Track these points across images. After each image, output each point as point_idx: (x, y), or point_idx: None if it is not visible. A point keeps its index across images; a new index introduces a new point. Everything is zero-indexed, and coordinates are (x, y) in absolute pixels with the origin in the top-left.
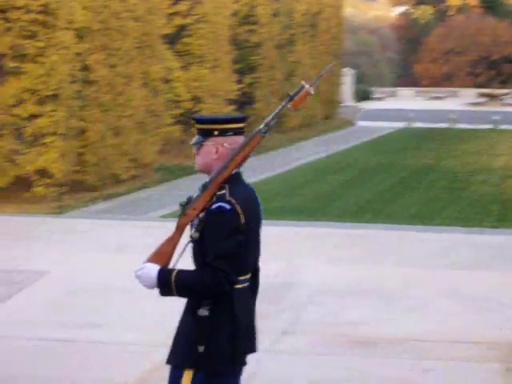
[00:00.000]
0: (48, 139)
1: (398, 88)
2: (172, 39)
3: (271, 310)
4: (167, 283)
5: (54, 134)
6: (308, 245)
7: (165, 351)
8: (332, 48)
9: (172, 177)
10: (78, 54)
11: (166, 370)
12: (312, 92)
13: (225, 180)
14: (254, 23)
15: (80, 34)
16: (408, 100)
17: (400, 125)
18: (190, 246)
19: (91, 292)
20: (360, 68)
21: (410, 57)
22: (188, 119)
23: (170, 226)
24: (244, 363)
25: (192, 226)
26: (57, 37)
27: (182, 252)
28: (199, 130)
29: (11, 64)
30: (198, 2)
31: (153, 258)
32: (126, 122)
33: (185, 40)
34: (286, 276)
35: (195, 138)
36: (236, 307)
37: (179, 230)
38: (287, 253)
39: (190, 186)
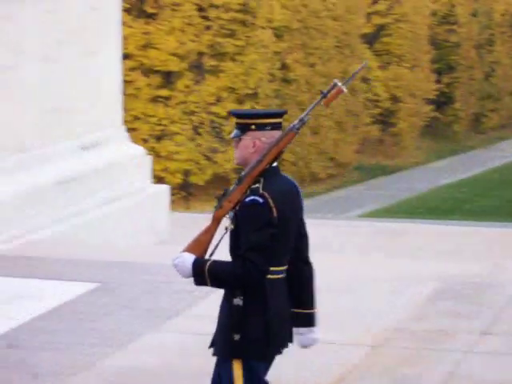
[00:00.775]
0: None
1: None
2: (371, 38)
3: (471, 309)
4: (201, 273)
5: None
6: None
7: (364, 351)
8: None
9: (370, 176)
10: (277, 53)
11: (364, 370)
12: (345, 90)
13: (260, 174)
14: (453, 23)
15: (279, 33)
16: None
17: None
18: (227, 237)
19: None
20: None
21: None
22: (386, 118)
23: (368, 225)
24: (279, 352)
25: (228, 218)
26: (256, 35)
27: (218, 243)
28: (237, 124)
29: (210, 62)
30: (398, 1)
31: (189, 248)
32: (325, 121)
33: (384, 39)
34: (488, 276)
35: (234, 132)
36: (269, 297)
37: (215, 222)
38: (490, 253)
39: (389, 186)
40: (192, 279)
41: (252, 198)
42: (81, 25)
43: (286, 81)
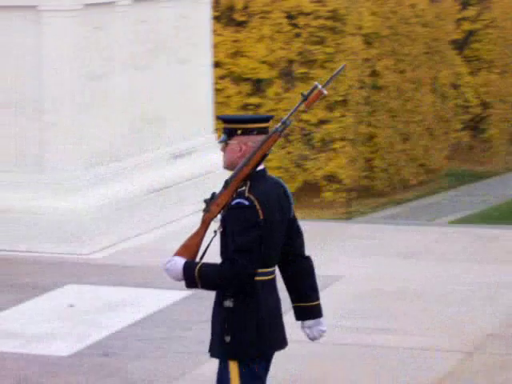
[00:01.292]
0: (337, 145)
1: None
2: (460, 44)
3: None
4: (191, 276)
5: (343, 139)
6: None
7: (459, 356)
8: None
9: (461, 182)
10: (367, 60)
11: (458, 376)
12: (325, 92)
13: (246, 177)
14: None
15: (368, 40)
16: None
17: None
18: (217, 240)
19: (383, 297)
20: None
21: None
22: (476, 124)
23: (460, 231)
24: (268, 355)
25: (216, 221)
26: (345, 42)
27: (208, 246)
28: (225, 129)
29: (300, 70)
30: (487, 7)
31: (180, 252)
32: (415, 127)
33: (473, 45)
34: None
35: (221, 137)
36: (260, 298)
37: (204, 225)
38: None
39: (480, 192)
40: (184, 282)
41: (238, 200)
42: (171, 33)
43: (376, 87)
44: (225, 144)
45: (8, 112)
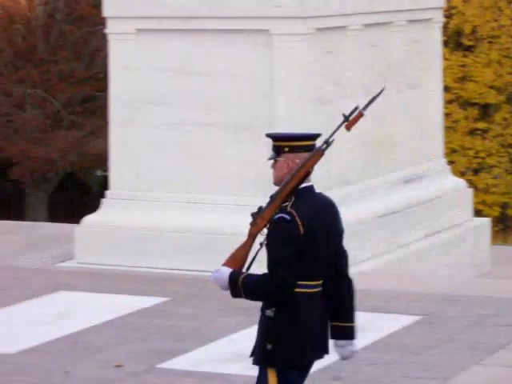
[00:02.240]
0: None
1: None
2: None
3: None
4: (236, 285)
5: None
6: None
7: None
8: None
9: None
10: None
11: None
12: (365, 114)
13: (290, 193)
14: None
15: None
16: None
17: None
18: (263, 252)
19: None
20: None
21: None
22: None
23: None
24: (312, 362)
25: (262, 234)
26: None
27: (254, 258)
28: (273, 146)
29: None
30: None
31: (227, 263)
32: None
33: None
34: None
35: (270, 154)
36: (300, 310)
37: (250, 238)
38: None
39: None
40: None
41: (280, 215)
42: (402, 58)
43: None
44: (274, 161)
45: (243, 135)
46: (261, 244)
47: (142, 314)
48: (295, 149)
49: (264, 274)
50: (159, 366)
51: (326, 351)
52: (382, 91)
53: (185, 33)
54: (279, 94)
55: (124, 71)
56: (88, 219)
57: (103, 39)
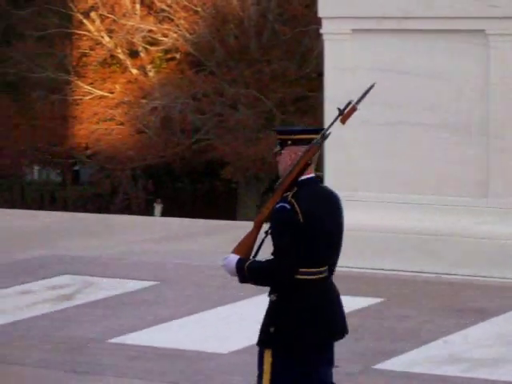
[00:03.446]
0: None
1: None
2: None
3: None
4: (242, 271)
5: None
6: None
7: None
8: None
9: None
10: None
11: None
12: (358, 108)
13: (292, 183)
14: None
15: None
16: None
17: None
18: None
19: None
20: None
21: None
22: None
23: None
24: (314, 348)
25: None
26: None
27: (260, 245)
28: (278, 139)
29: None
30: None
31: (235, 250)
32: None
33: None
34: None
35: (276, 147)
36: (303, 295)
37: (256, 226)
38: None
39: None
40: (237, 278)
41: (280, 204)
42: None
43: None
44: (279, 154)
45: (454, 137)
46: (266, 232)
47: (358, 315)
48: (298, 142)
49: (267, 261)
50: (375, 366)
51: (345, 331)
52: (371, 87)
53: (399, 33)
54: (495, 94)
55: (339, 71)
56: None
57: (315, 39)
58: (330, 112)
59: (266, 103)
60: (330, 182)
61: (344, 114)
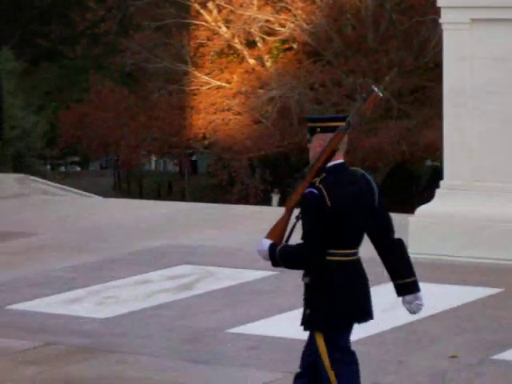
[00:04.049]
0: None
1: None
2: None
3: None
4: (274, 256)
5: None
6: None
7: None
8: None
9: None
10: None
11: None
12: (381, 95)
13: (320, 169)
14: None
15: None
16: None
17: None
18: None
19: None
20: None
21: None
22: None
23: None
24: (350, 325)
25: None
26: None
27: (292, 230)
28: (308, 127)
29: None
30: None
31: (268, 235)
32: None
33: None
34: None
35: (307, 135)
36: (333, 277)
37: (288, 211)
38: None
39: None
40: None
41: (308, 190)
42: None
43: None
44: (309, 141)
45: None
46: (296, 217)
47: (475, 305)
48: (326, 129)
49: (298, 244)
50: (493, 357)
51: (370, 316)
52: (373, 89)
53: None
54: None
55: (458, 61)
56: (422, 209)
57: (433, 29)
58: (448, 102)
59: (384, 93)
60: (448, 170)
61: (367, 101)
